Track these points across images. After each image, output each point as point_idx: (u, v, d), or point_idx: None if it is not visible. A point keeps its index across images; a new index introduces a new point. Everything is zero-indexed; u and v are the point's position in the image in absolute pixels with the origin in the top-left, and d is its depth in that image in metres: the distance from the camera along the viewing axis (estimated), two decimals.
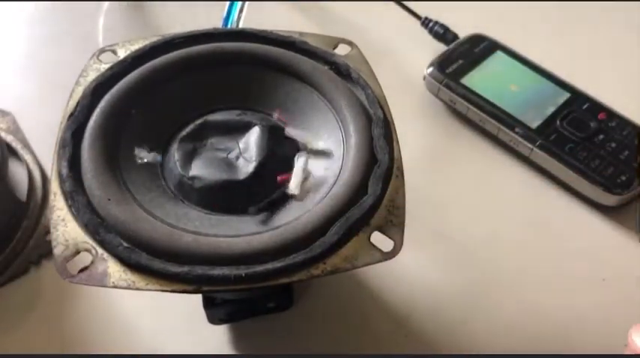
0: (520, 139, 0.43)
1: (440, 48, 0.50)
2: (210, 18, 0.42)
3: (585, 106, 0.45)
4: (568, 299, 0.38)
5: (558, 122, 0.44)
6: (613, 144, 0.43)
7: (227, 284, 0.25)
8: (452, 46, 0.49)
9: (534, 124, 0.44)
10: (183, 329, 0.37)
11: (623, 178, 0.41)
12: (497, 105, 0.45)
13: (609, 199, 0.41)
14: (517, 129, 0.43)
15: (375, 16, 0.53)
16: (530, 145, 0.43)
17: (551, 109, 0.45)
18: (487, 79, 0.47)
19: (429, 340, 0.36)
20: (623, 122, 0.44)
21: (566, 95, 0.46)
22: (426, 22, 0.51)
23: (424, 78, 0.48)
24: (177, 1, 0.55)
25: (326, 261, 0.26)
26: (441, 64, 0.48)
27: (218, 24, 0.42)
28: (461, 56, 0.48)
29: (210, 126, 0.33)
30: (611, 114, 0.45)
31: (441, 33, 0.50)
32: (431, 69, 0.47)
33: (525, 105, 0.45)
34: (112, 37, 0.52)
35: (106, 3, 0.55)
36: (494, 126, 0.45)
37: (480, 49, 0.49)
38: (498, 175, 0.44)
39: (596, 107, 0.45)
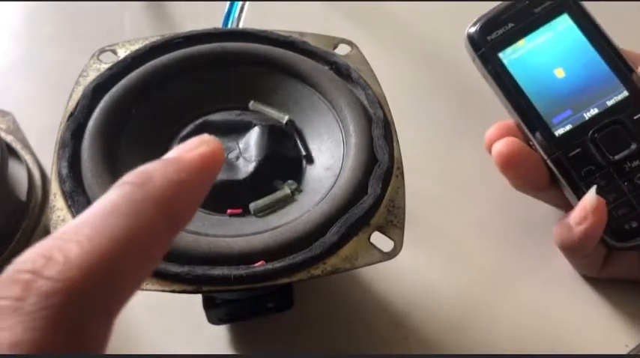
0: (536, 145, 0.35)
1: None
2: (210, 18, 0.42)
3: (638, 116, 0.34)
4: (568, 300, 0.38)
5: (590, 134, 0.34)
6: None
7: (227, 284, 0.26)
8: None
9: (559, 131, 0.34)
10: (183, 329, 0.37)
11: (634, 225, 0.33)
12: (527, 96, 0.35)
13: (608, 241, 0.34)
14: (536, 134, 0.35)
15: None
16: (544, 156, 0.35)
17: (591, 112, 0.34)
18: (531, 56, 0.36)
19: (429, 340, 0.36)
20: None
21: (623, 94, 0.34)
22: None
23: (467, 36, 0.37)
24: (178, 0, 0.55)
25: (326, 261, 0.26)
26: (488, 24, 0.36)
27: (218, 24, 0.42)
28: (513, 18, 0.36)
29: (210, 126, 0.33)
30: None
31: None
32: (474, 28, 0.36)
33: (562, 101, 0.35)
34: (112, 37, 0.52)
35: (107, 3, 0.55)
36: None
37: (542, 8, 0.36)
38: (498, 175, 0.44)
39: None
